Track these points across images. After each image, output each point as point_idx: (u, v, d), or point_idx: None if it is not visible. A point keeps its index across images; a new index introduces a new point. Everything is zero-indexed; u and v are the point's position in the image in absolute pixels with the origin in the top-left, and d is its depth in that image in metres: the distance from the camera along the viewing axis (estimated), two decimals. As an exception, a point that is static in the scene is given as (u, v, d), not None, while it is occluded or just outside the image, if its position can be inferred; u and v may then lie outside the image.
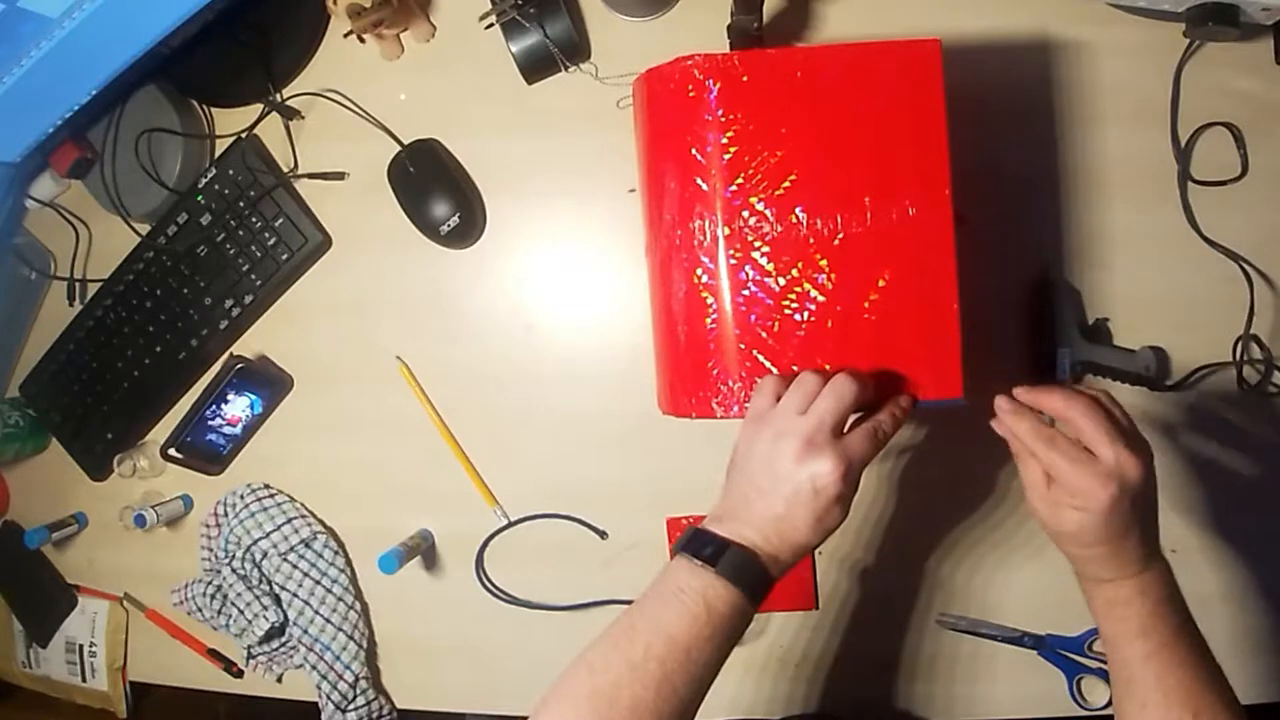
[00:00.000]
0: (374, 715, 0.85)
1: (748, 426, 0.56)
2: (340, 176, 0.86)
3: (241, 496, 0.87)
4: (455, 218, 0.81)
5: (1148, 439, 0.54)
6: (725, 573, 0.51)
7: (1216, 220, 0.75)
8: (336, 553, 0.86)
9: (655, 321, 0.64)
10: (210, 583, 0.86)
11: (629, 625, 0.51)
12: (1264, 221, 0.75)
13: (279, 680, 0.90)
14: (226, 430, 0.87)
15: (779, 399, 0.55)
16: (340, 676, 0.83)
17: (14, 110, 0.78)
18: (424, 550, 0.85)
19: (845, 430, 0.55)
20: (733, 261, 0.58)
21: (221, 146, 0.87)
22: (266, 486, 0.88)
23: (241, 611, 0.84)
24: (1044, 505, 0.55)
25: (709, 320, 0.59)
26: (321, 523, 0.87)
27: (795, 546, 0.53)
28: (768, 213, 0.58)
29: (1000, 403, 0.56)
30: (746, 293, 0.58)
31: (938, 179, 0.57)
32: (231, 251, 0.86)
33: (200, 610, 0.87)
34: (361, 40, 0.81)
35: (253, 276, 0.86)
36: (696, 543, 0.53)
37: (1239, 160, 0.75)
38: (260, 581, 0.86)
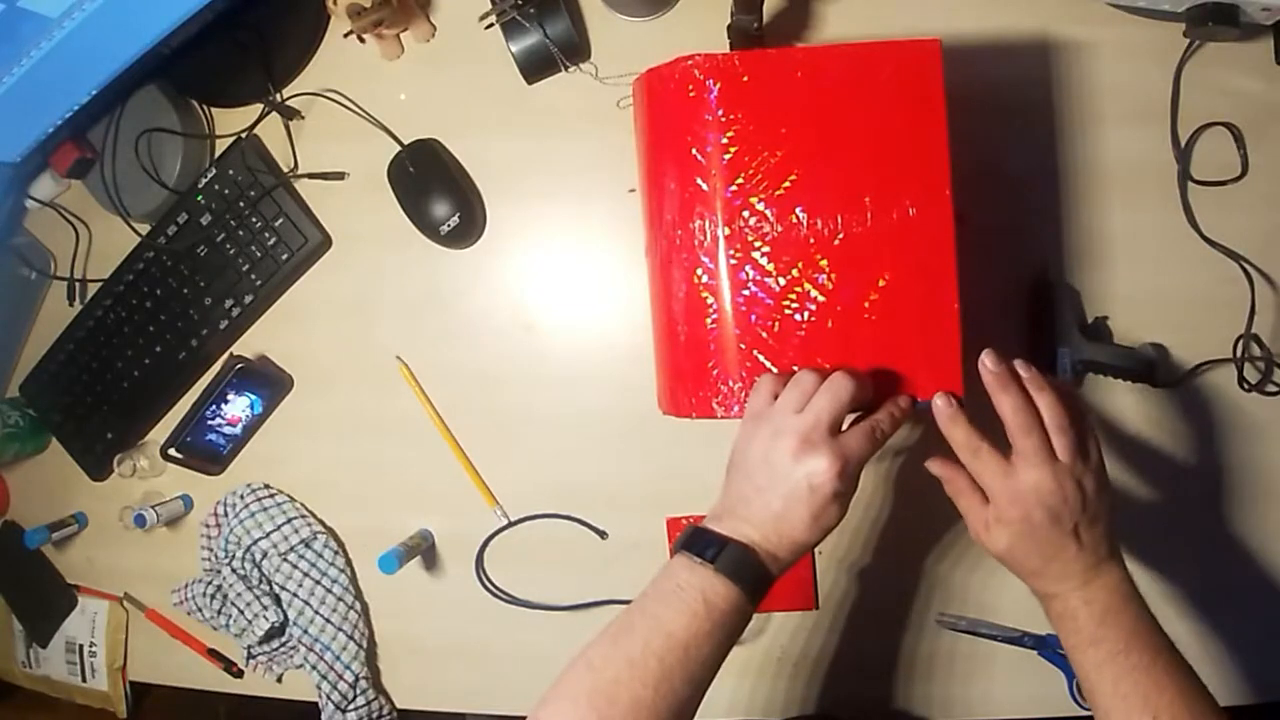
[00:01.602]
0: (374, 715, 0.85)
1: (746, 425, 0.56)
2: (340, 176, 0.86)
3: (241, 496, 0.87)
4: (455, 218, 0.81)
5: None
6: (724, 570, 0.51)
7: (1216, 220, 0.75)
8: (336, 553, 0.86)
9: (655, 321, 0.64)
10: (210, 583, 0.86)
11: (628, 623, 0.52)
12: (1264, 221, 0.75)
13: (279, 680, 0.90)
14: (226, 430, 0.87)
15: (776, 397, 0.55)
16: (340, 676, 0.83)
17: (14, 110, 0.78)
18: (424, 550, 0.85)
19: (844, 429, 0.55)
20: (733, 261, 0.58)
21: (221, 146, 0.87)
22: (266, 486, 0.88)
23: (241, 611, 0.84)
24: (978, 525, 0.57)
25: (709, 320, 0.59)
26: (321, 523, 0.87)
27: (794, 544, 0.53)
28: (768, 213, 0.58)
29: (939, 404, 0.56)
30: (746, 293, 0.58)
31: (938, 179, 0.57)
32: (231, 251, 0.86)
33: (200, 610, 0.87)
34: (361, 40, 0.81)
35: (253, 276, 0.86)
36: (695, 540, 0.53)
37: (1239, 160, 0.74)
38: (260, 581, 0.86)
